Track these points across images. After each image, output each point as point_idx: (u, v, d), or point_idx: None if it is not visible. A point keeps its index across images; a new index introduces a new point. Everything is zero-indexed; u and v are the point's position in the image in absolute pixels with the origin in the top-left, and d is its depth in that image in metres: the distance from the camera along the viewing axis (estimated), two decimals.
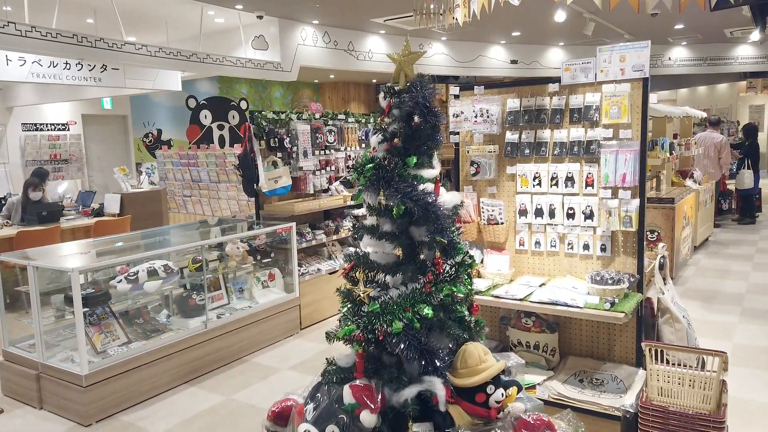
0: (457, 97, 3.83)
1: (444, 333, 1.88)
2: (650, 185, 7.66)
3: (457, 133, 3.91)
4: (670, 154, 7.77)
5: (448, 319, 1.89)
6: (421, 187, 1.80)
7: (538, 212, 3.77)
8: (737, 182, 10.50)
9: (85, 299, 4.52)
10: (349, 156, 7.12)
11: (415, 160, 1.80)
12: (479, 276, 3.86)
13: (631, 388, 3.35)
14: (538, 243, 3.83)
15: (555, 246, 3.77)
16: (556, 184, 3.69)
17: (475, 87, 3.77)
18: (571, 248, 3.72)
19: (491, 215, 3.87)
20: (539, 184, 3.74)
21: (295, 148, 6.40)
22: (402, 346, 1.71)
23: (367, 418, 1.71)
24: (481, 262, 3.93)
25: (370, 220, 1.91)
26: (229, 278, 5.93)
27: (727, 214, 11.07)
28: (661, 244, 3.84)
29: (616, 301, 3.25)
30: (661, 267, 3.74)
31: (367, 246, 1.90)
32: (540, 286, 3.61)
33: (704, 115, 10.22)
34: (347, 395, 1.75)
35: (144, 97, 12.23)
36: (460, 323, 1.96)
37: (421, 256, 1.88)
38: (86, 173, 11.15)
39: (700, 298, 6.47)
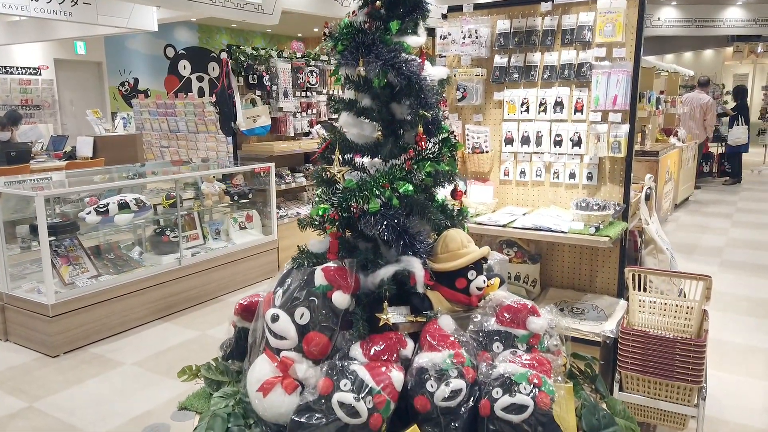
0: (444, 17, 3.66)
1: (425, 218, 1.76)
2: (635, 139, 7.60)
3: (444, 57, 3.75)
4: (656, 108, 7.69)
5: (430, 204, 1.77)
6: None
7: (525, 140, 3.65)
8: (730, 138, 10.46)
9: (51, 228, 4.33)
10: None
11: (398, 25, 1.65)
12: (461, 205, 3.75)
13: (612, 317, 3.29)
14: (523, 173, 3.72)
15: (540, 175, 3.67)
16: (545, 110, 3.56)
17: (464, 5, 3.59)
18: (557, 177, 3.61)
19: (476, 143, 3.74)
20: (527, 110, 3.61)
21: (275, 87, 6.19)
22: (379, 226, 1.59)
23: (340, 298, 1.59)
24: (465, 192, 3.82)
25: (348, 94, 1.76)
26: (206, 219, 5.77)
27: (708, 177, 11.11)
28: (648, 175, 3.76)
29: (601, 227, 3.16)
30: (647, 198, 3.66)
31: (345, 125, 1.76)
32: (523, 215, 3.51)
33: (692, 73, 10.15)
34: (319, 277, 1.63)
35: (120, 43, 11.79)
36: (443, 210, 1.84)
37: (404, 135, 1.75)
38: (59, 120, 10.77)
39: (680, 251, 6.46)
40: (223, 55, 5.71)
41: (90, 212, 4.55)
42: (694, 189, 9.97)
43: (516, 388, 1.46)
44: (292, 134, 6.47)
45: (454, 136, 1.74)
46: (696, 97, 9.94)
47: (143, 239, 5.34)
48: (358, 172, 1.68)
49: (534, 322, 1.67)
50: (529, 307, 1.70)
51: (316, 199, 1.68)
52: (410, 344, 1.59)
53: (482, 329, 1.67)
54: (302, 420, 1.40)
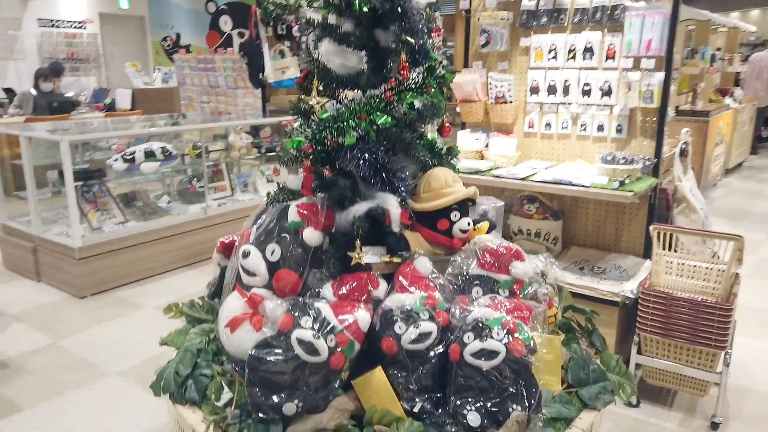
0: None
1: (410, 157, 1.65)
2: (685, 99, 7.15)
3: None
4: (711, 65, 7.19)
5: (414, 141, 1.66)
6: None
7: (551, 90, 3.44)
8: None
9: (78, 173, 4.42)
10: None
11: None
12: (482, 158, 3.60)
13: (635, 277, 3.12)
14: (548, 125, 3.53)
15: (567, 128, 3.47)
16: (573, 57, 3.34)
17: None
18: (584, 130, 3.41)
19: (500, 92, 3.56)
20: (555, 57, 3.39)
21: (304, 38, 6.05)
22: (355, 161, 1.50)
23: (310, 235, 1.52)
24: (486, 146, 3.66)
25: (330, 19, 1.65)
26: (233, 171, 5.79)
27: (767, 143, 10.43)
28: (684, 129, 3.50)
29: (627, 181, 2.97)
30: (682, 154, 3.42)
31: (327, 54, 1.66)
32: (545, 169, 3.34)
33: (754, 29, 9.39)
34: (292, 213, 1.56)
35: None
36: (431, 149, 1.73)
37: (389, 65, 1.63)
38: (103, 74, 10.98)
39: (728, 217, 6.12)
40: (252, 5, 5.60)
41: (117, 159, 4.61)
42: (750, 154, 9.40)
43: (488, 333, 1.37)
44: None
45: (443, 66, 1.61)
46: (765, 57, 9.23)
47: (171, 188, 5.41)
48: (337, 104, 1.58)
49: (517, 266, 1.56)
50: (513, 251, 1.58)
51: (292, 132, 1.59)
52: (383, 285, 1.51)
53: (462, 273, 1.58)
54: (260, 356, 1.35)
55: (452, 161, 1.78)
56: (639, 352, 2.93)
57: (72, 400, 3.01)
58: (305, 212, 1.54)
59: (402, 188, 1.56)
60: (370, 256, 1.54)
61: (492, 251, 1.58)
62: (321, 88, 1.64)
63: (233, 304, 1.56)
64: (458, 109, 3.77)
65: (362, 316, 1.40)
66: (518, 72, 3.56)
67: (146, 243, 4.58)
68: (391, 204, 1.49)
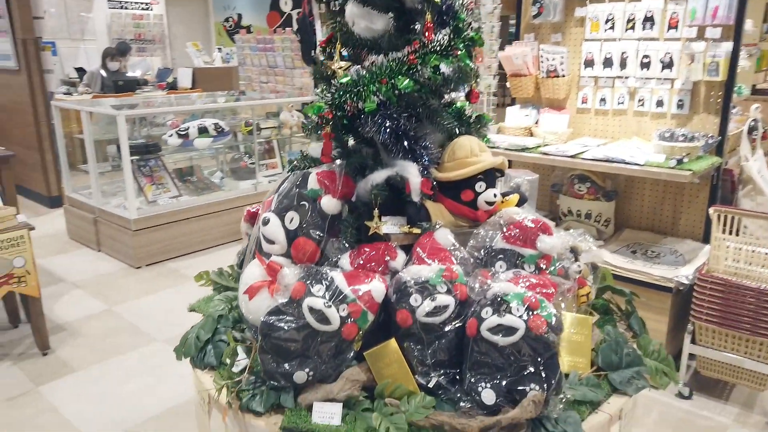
0: None
1: (434, 124, 1.58)
2: (764, 77, 6.63)
3: None
4: None
5: (441, 108, 1.59)
6: None
7: (607, 62, 3.25)
8: None
9: (135, 148, 4.57)
10: None
11: None
12: (531, 134, 3.46)
13: (692, 263, 2.93)
14: (603, 100, 3.34)
15: (623, 103, 3.28)
16: (632, 28, 3.14)
17: None
18: (642, 105, 3.21)
19: (551, 66, 3.40)
20: (612, 28, 3.20)
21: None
22: (376, 127, 1.44)
23: (328, 203, 1.49)
24: (536, 123, 3.52)
25: None
26: (285, 148, 5.84)
27: None
28: (754, 106, 3.23)
29: (685, 160, 2.77)
30: (751, 132, 3.16)
31: (351, 16, 1.60)
32: (597, 147, 3.17)
33: None
34: (312, 181, 1.53)
35: None
36: (459, 117, 1.65)
37: (414, 27, 1.56)
38: (168, 54, 11.31)
39: None
40: None
41: (172, 135, 4.74)
42: None
43: (506, 308, 1.29)
44: None
45: (472, 27, 1.52)
46: None
47: (224, 165, 5.53)
48: (360, 69, 1.53)
49: (544, 240, 1.46)
50: (540, 224, 1.49)
51: (316, 98, 1.55)
52: (401, 256, 1.46)
53: (485, 246, 1.50)
54: (272, 322, 1.34)
55: (481, 130, 1.69)
56: (693, 341, 2.76)
57: (120, 363, 3.14)
58: (325, 180, 1.50)
59: (425, 156, 1.49)
60: (388, 226, 1.48)
61: (518, 224, 1.49)
62: (344, 53, 1.59)
63: (253, 272, 1.55)
64: (508, 84, 3.63)
65: (376, 287, 1.36)
66: (572, 44, 3.38)
67: (198, 217, 4.70)
68: (411, 172, 1.43)
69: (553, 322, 1.30)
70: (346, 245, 1.50)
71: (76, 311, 3.74)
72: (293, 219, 1.52)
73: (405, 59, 1.46)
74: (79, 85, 8.24)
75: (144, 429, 2.62)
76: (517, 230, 1.49)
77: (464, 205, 1.52)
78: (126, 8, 10.70)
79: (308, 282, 1.36)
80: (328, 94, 1.50)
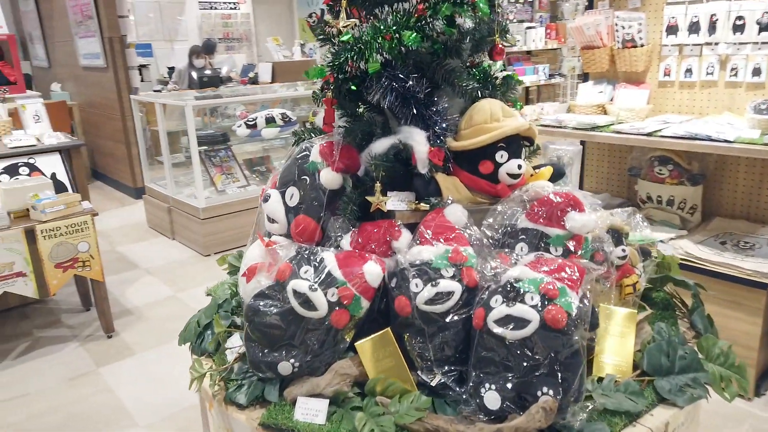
0: None
1: (453, 87, 1.38)
2: None
3: None
4: None
5: (459, 68, 1.39)
6: None
7: (693, 28, 2.86)
8: None
9: (204, 138, 4.66)
10: None
11: None
12: (604, 112, 3.13)
13: None
14: (689, 71, 2.95)
15: (712, 73, 2.87)
16: None
17: None
18: (735, 75, 2.80)
19: (628, 34, 3.04)
20: None
21: None
22: (381, 90, 1.28)
23: (327, 176, 1.34)
24: (611, 100, 3.18)
25: None
26: None
27: None
28: None
29: None
30: None
31: None
32: (680, 123, 2.80)
33: None
34: (314, 153, 1.39)
35: None
36: (484, 78, 1.44)
37: None
38: (254, 51, 11.64)
39: None
40: None
41: (240, 125, 4.79)
42: None
43: (516, 296, 1.09)
44: None
45: None
46: None
47: None
48: (365, 25, 1.36)
49: (574, 218, 1.23)
50: (570, 199, 1.26)
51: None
52: (405, 236, 1.28)
53: (504, 225, 1.29)
54: (257, 306, 1.21)
55: (510, 94, 1.47)
56: None
57: (175, 348, 3.17)
58: (326, 151, 1.36)
59: (437, 123, 1.31)
60: (394, 201, 1.32)
61: (545, 200, 1.27)
62: (350, 9, 1.43)
63: (253, 253, 1.44)
64: (579, 59, 3.31)
65: (371, 270, 1.20)
66: (652, 9, 3.01)
67: None
68: (417, 140, 1.25)
69: (575, 315, 1.08)
70: (349, 224, 1.35)
71: (144, 296, 3.85)
72: (293, 195, 1.39)
73: (413, 10, 1.29)
74: (169, 82, 8.63)
75: (187, 414, 2.62)
76: (543, 207, 1.26)
77: (482, 178, 1.32)
78: (215, 8, 11.11)
79: (295, 263, 1.22)
80: (329, 55, 1.35)
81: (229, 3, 11.29)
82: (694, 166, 2.93)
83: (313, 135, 1.51)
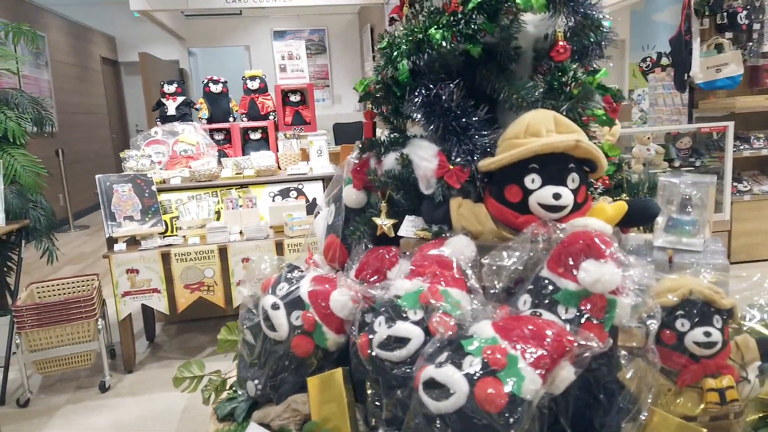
0: None
1: (497, 95, 1.09)
2: None
3: None
4: None
5: (511, 73, 1.09)
6: None
7: None
8: None
9: None
10: None
11: None
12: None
13: None
14: None
15: None
16: None
17: None
18: None
19: None
20: None
21: (758, 27, 4.80)
22: (412, 99, 1.12)
23: (347, 193, 1.21)
24: None
25: None
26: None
27: None
28: None
29: None
30: None
31: None
32: None
33: None
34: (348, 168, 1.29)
35: (645, 18, 11.33)
36: (555, 85, 1.09)
37: None
38: None
39: None
40: None
41: None
42: None
43: (456, 357, 0.80)
44: None
45: None
46: None
47: None
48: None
49: (587, 269, 0.83)
50: (592, 240, 0.86)
51: None
52: (398, 267, 1.07)
53: (509, 268, 0.95)
54: (244, 317, 1.17)
55: (592, 106, 1.10)
56: None
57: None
58: (355, 168, 1.25)
59: (472, 137, 1.08)
60: (407, 227, 1.12)
61: (573, 240, 0.89)
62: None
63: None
64: None
65: (336, 299, 1.04)
66: None
67: None
68: (420, 154, 1.04)
69: (523, 399, 0.74)
70: (366, 248, 1.20)
71: None
72: (332, 212, 1.32)
73: (447, 4, 1.10)
74: None
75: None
76: (566, 249, 0.90)
77: (508, 207, 1.01)
78: None
79: (278, 278, 1.15)
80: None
81: None
82: None
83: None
